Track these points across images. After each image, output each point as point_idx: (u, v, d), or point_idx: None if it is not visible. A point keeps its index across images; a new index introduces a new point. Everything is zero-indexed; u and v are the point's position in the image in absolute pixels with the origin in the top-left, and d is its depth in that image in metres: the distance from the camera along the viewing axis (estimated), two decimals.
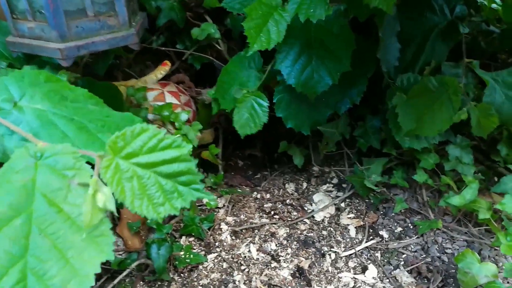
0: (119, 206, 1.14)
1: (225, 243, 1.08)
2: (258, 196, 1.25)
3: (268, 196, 1.25)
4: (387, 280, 0.98)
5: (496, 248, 1.01)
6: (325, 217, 1.16)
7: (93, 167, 0.38)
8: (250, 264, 1.02)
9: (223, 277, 0.99)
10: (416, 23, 1.10)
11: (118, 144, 0.37)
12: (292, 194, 1.26)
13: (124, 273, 0.98)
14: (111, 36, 0.62)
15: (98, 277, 1.04)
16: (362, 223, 1.12)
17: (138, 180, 0.38)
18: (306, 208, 1.19)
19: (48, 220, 0.36)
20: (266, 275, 0.98)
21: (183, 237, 1.11)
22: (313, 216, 1.16)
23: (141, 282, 1.00)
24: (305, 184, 1.28)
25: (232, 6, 0.98)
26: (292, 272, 1.00)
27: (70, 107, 0.48)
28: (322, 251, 1.05)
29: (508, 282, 0.92)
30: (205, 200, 1.17)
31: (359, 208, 1.17)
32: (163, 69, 1.19)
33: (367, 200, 1.18)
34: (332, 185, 1.26)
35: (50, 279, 0.34)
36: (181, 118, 1.12)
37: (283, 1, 0.89)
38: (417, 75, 1.03)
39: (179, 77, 1.30)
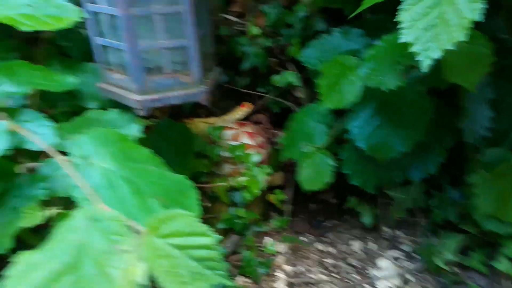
0: None
1: None
2: (321, 247, 1.22)
3: (331, 250, 1.21)
4: None
5: None
6: (388, 287, 1.08)
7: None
8: None
9: None
10: None
11: (157, 224, 0.41)
12: (356, 253, 1.20)
13: None
14: (184, 92, 0.68)
15: None
16: None
17: (170, 258, 0.42)
18: (368, 273, 1.13)
19: (94, 280, 0.41)
20: None
21: (240, 277, 1.12)
22: (375, 283, 1.09)
23: None
24: (372, 245, 1.22)
25: (308, 60, 0.99)
26: None
27: (132, 168, 0.53)
28: None
29: None
30: (267, 241, 1.18)
31: (427, 286, 1.06)
32: (243, 110, 1.25)
33: (438, 278, 1.07)
34: (401, 252, 1.17)
35: None
36: (252, 159, 1.16)
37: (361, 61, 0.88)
38: (507, 150, 0.93)
39: (258, 118, 1.34)
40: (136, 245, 0.43)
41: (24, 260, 0.43)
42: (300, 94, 1.20)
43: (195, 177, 1.14)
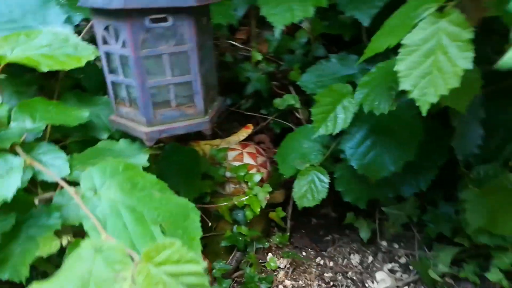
0: None
1: None
2: (321, 262, 1.27)
3: (331, 264, 1.26)
4: None
5: None
6: None
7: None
8: None
9: None
10: (506, 111, 1.05)
11: (152, 253, 0.47)
12: (355, 266, 1.25)
13: None
14: (188, 123, 0.74)
15: None
16: None
17: (163, 285, 0.47)
18: (367, 285, 1.17)
19: None
20: None
21: None
22: None
23: None
24: (370, 258, 1.26)
25: (306, 85, 1.05)
26: None
27: (137, 196, 0.59)
28: None
29: None
30: (268, 257, 1.23)
31: None
32: (246, 132, 1.31)
33: None
34: (398, 265, 1.22)
35: None
36: (254, 179, 1.21)
37: (355, 87, 0.94)
38: (497, 167, 0.98)
39: (260, 138, 1.40)
40: (133, 273, 0.48)
41: None
42: (300, 115, 1.26)
43: (200, 198, 1.20)
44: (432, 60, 0.58)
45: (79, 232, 0.67)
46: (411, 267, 1.19)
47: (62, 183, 0.60)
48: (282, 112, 1.32)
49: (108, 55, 0.73)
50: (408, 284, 1.15)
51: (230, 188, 1.26)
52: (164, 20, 0.66)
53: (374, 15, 0.87)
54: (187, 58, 0.71)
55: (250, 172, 1.23)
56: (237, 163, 1.24)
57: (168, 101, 0.74)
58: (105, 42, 0.72)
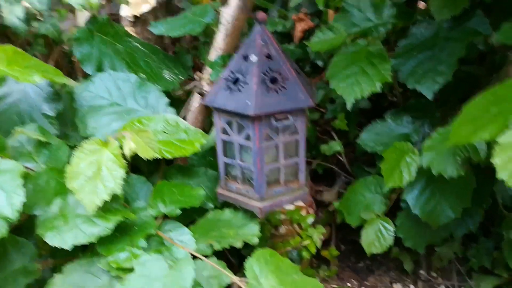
0: None
1: None
2: None
3: None
4: None
5: None
6: None
7: None
8: None
9: None
10: None
11: None
12: None
13: None
14: (293, 196, 0.83)
15: None
16: None
17: None
18: None
19: None
20: None
21: None
22: None
23: None
24: (412, 287, 1.39)
25: (366, 143, 1.16)
26: None
27: (286, 282, 0.67)
28: None
29: None
30: None
31: None
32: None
33: None
34: None
35: None
36: (307, 221, 1.31)
37: (413, 144, 1.06)
38: None
39: None
40: None
41: None
42: (343, 158, 1.37)
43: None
44: None
45: None
46: None
47: (236, 280, 0.67)
48: (324, 155, 1.43)
49: (225, 142, 0.81)
50: None
51: (283, 229, 1.35)
52: (286, 118, 0.76)
53: (436, 90, 0.99)
54: (297, 145, 0.81)
55: (302, 214, 1.33)
56: (290, 207, 1.34)
57: (278, 180, 0.83)
58: (224, 132, 0.80)
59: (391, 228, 1.10)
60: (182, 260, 0.66)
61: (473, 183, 1.06)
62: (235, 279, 0.64)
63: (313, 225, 1.33)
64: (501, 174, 0.73)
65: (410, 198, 1.08)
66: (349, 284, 1.41)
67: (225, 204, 0.90)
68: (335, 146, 1.33)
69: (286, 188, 0.84)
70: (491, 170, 1.14)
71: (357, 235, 1.65)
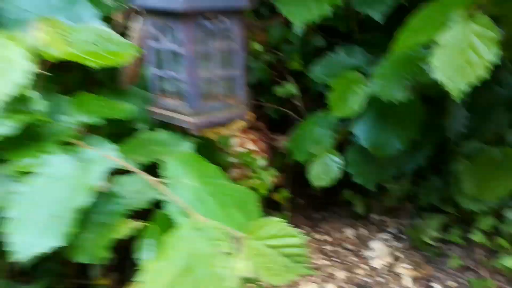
0: None
1: None
2: (318, 237, 1.37)
3: (327, 238, 1.37)
4: None
5: None
6: (382, 265, 1.26)
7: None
8: None
9: None
10: (484, 95, 1.20)
11: (255, 229, 0.53)
12: (350, 238, 1.37)
13: None
14: (230, 113, 0.79)
15: None
16: (417, 274, 1.21)
17: (265, 256, 0.54)
18: (363, 254, 1.30)
19: (207, 279, 0.51)
20: None
21: None
22: (370, 263, 1.26)
23: None
24: (364, 231, 1.39)
25: (317, 76, 1.13)
26: None
27: (211, 184, 0.64)
28: None
29: None
30: None
31: (415, 259, 1.25)
32: (247, 119, 1.36)
33: (423, 253, 1.26)
34: (390, 234, 1.36)
35: None
36: (259, 164, 1.28)
37: (363, 75, 1.03)
38: (482, 144, 1.13)
39: (257, 125, 1.46)
40: (237, 247, 0.54)
41: (150, 267, 0.53)
42: (298, 102, 1.33)
43: None
44: (463, 56, 0.68)
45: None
46: (402, 236, 1.33)
47: (141, 173, 0.63)
48: (280, 100, 1.39)
49: (157, 51, 0.75)
50: (400, 250, 1.28)
51: (234, 173, 1.31)
52: (219, 20, 0.70)
53: (386, 12, 0.95)
54: (234, 55, 0.75)
55: (254, 157, 1.29)
56: (241, 149, 1.30)
57: (213, 93, 0.78)
58: (155, 39, 0.74)
59: (338, 160, 1.07)
60: (92, 160, 0.60)
61: (421, 114, 1.05)
62: (152, 180, 0.60)
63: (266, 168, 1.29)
64: (438, 75, 0.71)
65: (358, 130, 1.06)
66: (301, 230, 1.40)
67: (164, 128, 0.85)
68: (290, 88, 1.29)
69: (223, 103, 0.79)
70: (441, 103, 1.14)
71: (318, 190, 1.65)
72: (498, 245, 1.17)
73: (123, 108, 0.76)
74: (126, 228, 0.67)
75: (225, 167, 1.28)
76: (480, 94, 1.17)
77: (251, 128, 1.43)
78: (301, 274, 0.58)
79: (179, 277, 0.52)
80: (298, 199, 1.61)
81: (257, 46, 1.26)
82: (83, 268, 0.75)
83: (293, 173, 1.54)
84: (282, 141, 1.35)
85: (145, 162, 0.72)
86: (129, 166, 0.63)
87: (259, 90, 1.38)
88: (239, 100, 0.80)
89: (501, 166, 1.06)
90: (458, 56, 0.68)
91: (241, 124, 1.36)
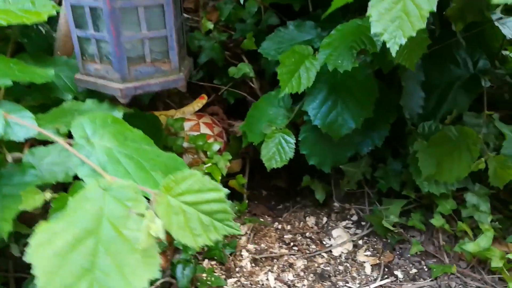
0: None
1: (244, 270, 1.14)
2: (279, 226, 1.31)
3: (288, 227, 1.31)
4: None
5: None
6: (342, 252, 1.21)
7: (148, 200, 0.47)
8: None
9: None
10: (440, 74, 1.17)
11: (170, 185, 0.46)
12: (312, 227, 1.31)
13: None
14: (163, 79, 0.72)
15: None
16: (378, 261, 1.16)
17: (183, 214, 0.47)
18: (324, 243, 1.24)
19: (112, 242, 0.44)
20: None
21: (206, 260, 1.17)
22: (330, 251, 1.21)
23: None
24: (325, 219, 1.34)
25: (267, 52, 1.07)
26: None
27: (130, 147, 0.57)
28: (337, 286, 1.10)
29: None
30: None
31: (376, 246, 1.21)
32: (200, 102, 1.30)
33: (384, 240, 1.22)
34: (351, 222, 1.31)
35: None
36: (213, 148, 1.21)
37: (314, 50, 0.98)
38: (439, 123, 1.09)
39: (213, 109, 1.40)
40: (151, 205, 0.47)
41: (45, 229, 0.45)
42: (254, 84, 1.28)
43: None
44: (400, 6, 0.63)
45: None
46: (363, 223, 1.28)
47: (48, 134, 0.55)
48: (235, 82, 1.33)
49: (75, 8, 0.68)
50: (362, 237, 1.24)
51: (188, 158, 1.24)
52: None
53: None
54: (163, 12, 0.69)
55: (208, 141, 1.22)
56: (194, 133, 1.23)
57: (142, 56, 0.71)
58: None
59: (291, 140, 1.02)
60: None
61: (376, 92, 1.01)
62: (60, 140, 0.52)
63: (219, 153, 1.23)
64: (376, 28, 0.66)
65: (311, 108, 1.01)
66: (262, 220, 1.34)
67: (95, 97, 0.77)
68: (244, 68, 1.23)
69: (155, 68, 0.72)
70: (397, 81, 1.10)
71: (281, 181, 1.59)
72: (459, 230, 1.13)
73: (41, 73, 0.69)
74: (34, 200, 0.59)
75: (177, 152, 1.21)
76: (436, 74, 1.15)
77: (206, 112, 1.37)
78: (225, 234, 0.50)
79: (80, 239, 0.44)
80: (262, 191, 1.56)
81: (208, 25, 1.20)
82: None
83: (256, 165, 1.49)
84: (239, 126, 1.29)
85: (65, 132, 0.64)
86: (46, 132, 0.55)
87: (214, 71, 1.32)
88: (173, 65, 0.73)
89: (459, 145, 1.03)
90: (394, 5, 0.63)
91: (196, 106, 1.30)
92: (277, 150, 1.02)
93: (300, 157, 1.21)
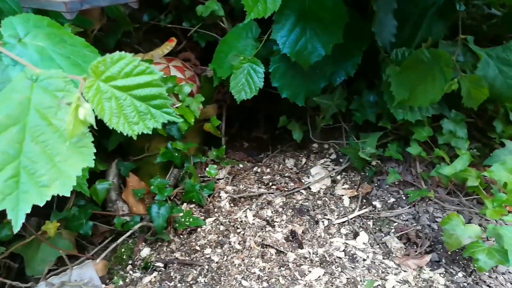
0: (125, 174, 1.16)
1: (223, 209, 1.13)
2: (258, 170, 1.30)
3: (268, 170, 1.30)
4: (377, 245, 1.01)
5: (487, 219, 1.03)
6: (321, 188, 1.20)
7: None
8: (246, 228, 1.06)
9: (220, 238, 1.04)
10: (414, 1, 1.13)
11: (99, 69, 0.43)
12: (291, 168, 1.30)
13: (127, 234, 1.04)
14: None
15: (102, 237, 1.11)
16: (356, 193, 1.15)
17: (115, 100, 0.44)
18: (303, 180, 1.23)
19: (40, 130, 0.42)
20: (260, 236, 1.03)
21: (185, 204, 1.16)
22: (309, 187, 1.20)
23: (143, 243, 1.06)
24: (304, 160, 1.32)
25: None
26: (285, 236, 1.04)
27: (68, 48, 0.54)
28: (316, 219, 1.09)
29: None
30: (206, 169, 1.22)
31: (354, 179, 1.20)
32: (169, 45, 1.25)
33: (362, 173, 1.21)
34: (329, 160, 1.30)
35: (39, 177, 0.40)
36: (184, 90, 1.17)
37: None
38: (411, 49, 1.06)
39: (185, 55, 1.35)
40: (80, 90, 0.43)
41: None
42: (225, 24, 1.23)
43: None
44: None
45: None
46: (341, 160, 1.27)
47: None
48: (205, 24, 1.28)
49: None
50: (340, 172, 1.23)
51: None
52: None
53: None
54: None
55: (179, 84, 1.19)
56: (164, 76, 1.19)
57: None
58: None
59: (260, 69, 0.99)
60: None
61: (345, 17, 0.97)
62: None
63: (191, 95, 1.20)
64: None
65: (279, 36, 0.97)
66: (241, 165, 1.32)
67: None
68: (212, 5, 1.18)
69: None
70: (370, 9, 1.06)
71: (261, 131, 1.57)
72: (435, 156, 1.12)
73: None
74: None
75: None
76: (410, 1, 1.11)
77: (177, 57, 1.32)
78: (163, 121, 0.47)
79: (4, 126, 0.41)
80: (244, 142, 1.54)
81: None
82: None
83: (234, 113, 1.46)
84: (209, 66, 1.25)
85: None
86: None
87: (182, 14, 1.27)
88: None
89: (432, 68, 1.00)
90: None
91: (164, 49, 1.26)
92: (246, 81, 0.99)
93: (276, 99, 1.17)
